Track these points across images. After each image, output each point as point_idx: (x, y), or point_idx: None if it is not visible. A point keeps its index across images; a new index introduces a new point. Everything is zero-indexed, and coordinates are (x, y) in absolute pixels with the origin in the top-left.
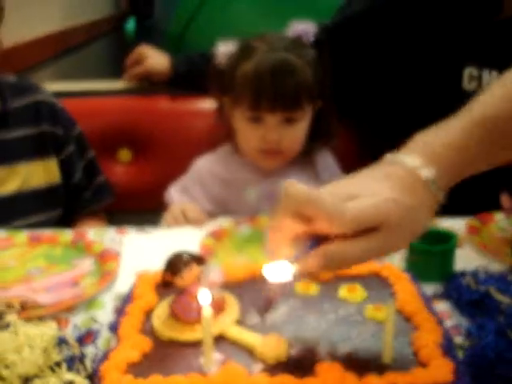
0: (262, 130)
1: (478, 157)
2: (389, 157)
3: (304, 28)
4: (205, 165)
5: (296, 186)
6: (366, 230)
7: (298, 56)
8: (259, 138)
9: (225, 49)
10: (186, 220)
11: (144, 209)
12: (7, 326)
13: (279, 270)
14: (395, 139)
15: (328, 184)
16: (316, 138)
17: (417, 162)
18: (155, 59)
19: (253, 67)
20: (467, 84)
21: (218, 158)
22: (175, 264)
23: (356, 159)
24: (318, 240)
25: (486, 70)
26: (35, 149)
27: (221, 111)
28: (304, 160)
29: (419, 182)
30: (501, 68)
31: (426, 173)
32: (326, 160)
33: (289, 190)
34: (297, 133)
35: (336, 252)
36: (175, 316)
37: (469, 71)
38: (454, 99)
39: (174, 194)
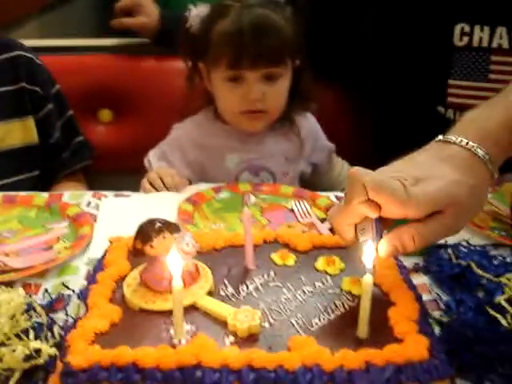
0: (243, 89)
1: None
2: (442, 138)
3: None
4: (184, 130)
5: (364, 173)
6: (433, 212)
7: (276, 12)
8: (241, 99)
9: (197, 12)
10: (164, 185)
11: (124, 170)
12: None
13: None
14: (385, 98)
15: (388, 167)
16: (295, 99)
17: (472, 142)
18: (148, 11)
19: (231, 24)
20: (458, 40)
21: (197, 124)
22: (146, 231)
23: (341, 122)
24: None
25: (478, 26)
26: (13, 107)
27: (191, 77)
28: (286, 125)
29: (477, 162)
30: (492, 24)
31: (482, 152)
32: (310, 124)
33: (358, 178)
34: (279, 90)
35: (411, 236)
36: (146, 285)
37: (460, 27)
38: (444, 55)
39: (153, 159)
